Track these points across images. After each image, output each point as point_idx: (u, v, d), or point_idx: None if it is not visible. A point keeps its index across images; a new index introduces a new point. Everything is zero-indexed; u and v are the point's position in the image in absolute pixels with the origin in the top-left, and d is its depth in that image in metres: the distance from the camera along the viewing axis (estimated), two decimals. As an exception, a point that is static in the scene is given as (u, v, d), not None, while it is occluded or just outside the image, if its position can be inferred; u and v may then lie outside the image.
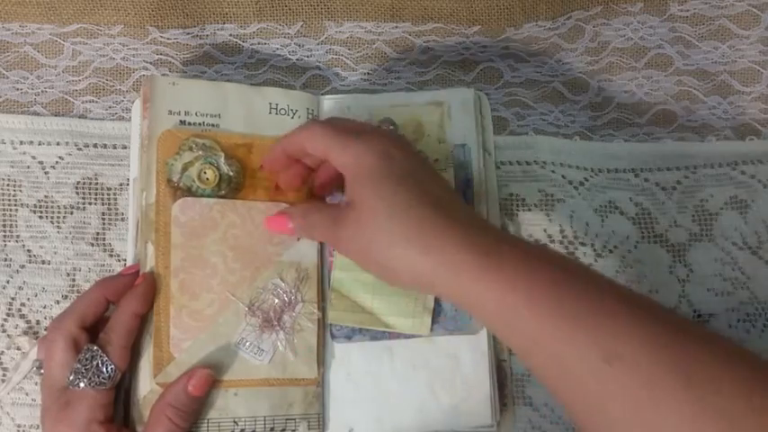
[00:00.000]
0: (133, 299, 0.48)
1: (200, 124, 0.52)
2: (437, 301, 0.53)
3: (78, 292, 0.54)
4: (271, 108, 0.54)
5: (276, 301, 0.51)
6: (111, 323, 0.47)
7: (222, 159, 0.51)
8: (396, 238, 0.42)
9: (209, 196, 0.50)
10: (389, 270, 0.43)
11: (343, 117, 0.54)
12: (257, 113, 0.54)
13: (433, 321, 0.52)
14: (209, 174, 0.51)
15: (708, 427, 0.35)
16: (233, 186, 0.51)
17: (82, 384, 0.45)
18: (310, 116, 0.55)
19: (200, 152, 0.51)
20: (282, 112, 0.54)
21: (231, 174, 0.51)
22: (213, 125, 0.53)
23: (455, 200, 0.45)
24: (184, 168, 0.50)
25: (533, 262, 0.40)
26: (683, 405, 0.35)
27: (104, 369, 0.46)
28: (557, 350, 0.38)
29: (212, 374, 0.48)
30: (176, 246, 0.50)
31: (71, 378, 0.45)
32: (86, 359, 0.45)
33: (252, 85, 0.57)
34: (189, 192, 0.50)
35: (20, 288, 0.54)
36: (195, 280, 0.50)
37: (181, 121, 0.52)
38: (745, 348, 0.38)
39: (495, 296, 0.39)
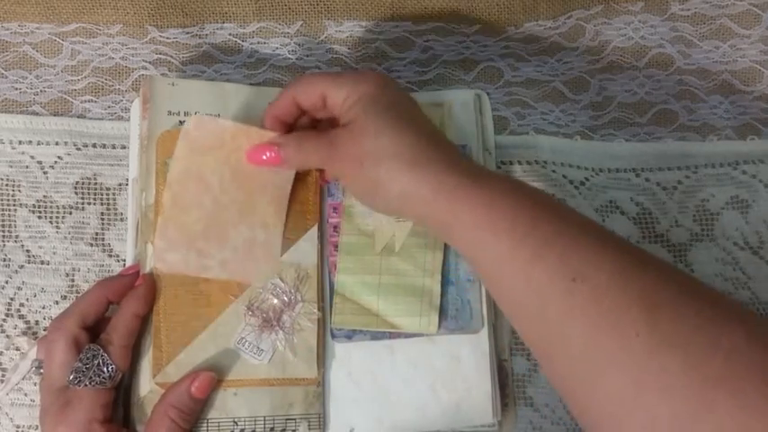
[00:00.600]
0: (134, 300, 0.48)
1: (199, 124, 0.52)
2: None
3: (77, 292, 0.54)
4: (270, 107, 0.54)
5: (275, 300, 0.51)
6: (113, 323, 0.47)
7: (222, 159, 0.51)
8: (386, 153, 0.44)
9: (208, 196, 0.50)
10: (379, 185, 0.44)
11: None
12: (256, 113, 0.54)
13: (435, 320, 0.52)
14: (209, 173, 0.50)
15: (669, 359, 0.35)
16: (232, 186, 0.51)
17: (83, 384, 0.45)
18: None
19: (200, 152, 0.50)
20: (282, 111, 0.54)
21: (231, 173, 0.51)
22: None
23: (442, 135, 0.48)
24: (183, 168, 0.50)
25: (512, 190, 0.42)
26: (644, 335, 0.35)
27: (105, 369, 0.46)
28: (526, 268, 0.39)
29: (215, 377, 0.48)
30: (178, 158, 0.49)
31: (72, 377, 0.45)
32: (87, 358, 0.45)
33: (251, 84, 0.57)
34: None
35: (19, 288, 0.54)
36: (188, 193, 0.49)
37: (180, 121, 0.52)
38: (713, 288, 0.38)
39: (471, 215, 0.42)
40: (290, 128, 0.51)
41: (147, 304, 0.48)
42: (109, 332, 0.47)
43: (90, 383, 0.45)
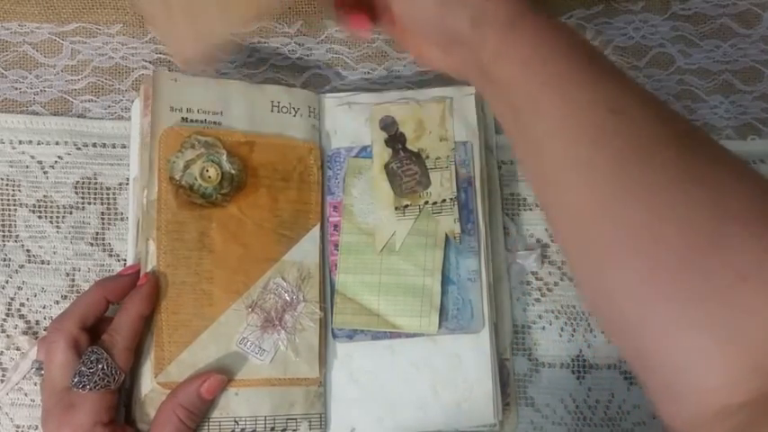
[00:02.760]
0: (138, 300, 0.47)
1: (202, 122, 0.52)
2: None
3: (78, 292, 0.54)
4: (273, 106, 0.54)
5: (278, 300, 0.51)
6: (116, 325, 0.47)
7: (224, 157, 0.50)
8: None
9: (210, 194, 0.50)
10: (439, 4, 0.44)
11: None
12: (259, 111, 0.53)
13: (435, 320, 0.52)
14: (212, 172, 0.50)
15: (695, 192, 0.35)
16: (235, 184, 0.51)
17: (87, 388, 0.44)
18: (312, 114, 0.55)
19: (203, 150, 0.50)
20: (284, 110, 0.54)
21: (233, 172, 0.51)
22: (215, 123, 0.52)
23: None
24: (186, 166, 0.50)
25: (556, 32, 0.42)
26: (672, 168, 0.36)
27: (110, 372, 0.45)
28: (573, 95, 0.39)
29: (225, 379, 0.48)
30: None
31: (76, 380, 0.45)
32: (91, 362, 0.45)
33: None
34: (191, 189, 0.50)
35: (19, 288, 0.54)
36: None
37: (183, 118, 0.51)
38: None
39: (521, 53, 0.41)
40: None
41: (152, 304, 0.48)
42: (112, 334, 0.46)
43: (95, 387, 0.45)
